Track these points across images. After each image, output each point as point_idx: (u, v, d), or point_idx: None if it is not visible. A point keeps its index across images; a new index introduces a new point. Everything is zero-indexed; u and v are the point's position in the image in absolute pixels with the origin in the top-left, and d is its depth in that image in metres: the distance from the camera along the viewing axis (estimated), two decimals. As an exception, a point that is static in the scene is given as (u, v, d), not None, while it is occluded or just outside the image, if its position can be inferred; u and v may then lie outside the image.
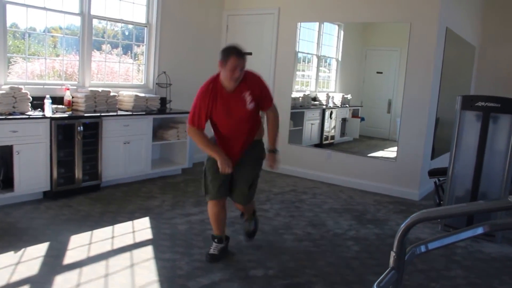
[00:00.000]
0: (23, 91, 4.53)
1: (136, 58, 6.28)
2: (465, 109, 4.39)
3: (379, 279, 1.45)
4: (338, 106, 7.19)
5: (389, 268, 1.54)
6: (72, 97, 5.10)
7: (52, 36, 5.32)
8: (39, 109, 4.69)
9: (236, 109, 3.24)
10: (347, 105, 7.22)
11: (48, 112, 4.63)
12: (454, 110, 4.48)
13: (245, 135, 3.35)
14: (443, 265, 3.66)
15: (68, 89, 5.05)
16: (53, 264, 3.21)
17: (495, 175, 4.28)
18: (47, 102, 4.65)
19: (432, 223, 4.64)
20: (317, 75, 7.19)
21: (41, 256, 3.31)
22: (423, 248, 1.64)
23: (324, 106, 7.10)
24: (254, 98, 3.24)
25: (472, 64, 7.96)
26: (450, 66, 6.19)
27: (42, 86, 5.05)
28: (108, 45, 5.91)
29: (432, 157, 6.01)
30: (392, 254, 1.54)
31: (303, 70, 7.18)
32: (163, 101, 6.17)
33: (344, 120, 7.30)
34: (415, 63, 5.60)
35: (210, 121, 3.32)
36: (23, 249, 3.40)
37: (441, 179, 5.02)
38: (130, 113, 5.39)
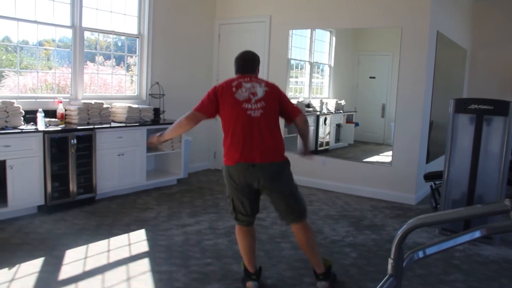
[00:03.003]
0: (15, 105, 4.50)
1: (129, 69, 6.27)
2: (459, 112, 4.40)
3: (378, 287, 1.44)
4: (332, 112, 7.19)
5: (387, 276, 1.52)
6: (65, 110, 5.07)
7: (45, 49, 5.31)
8: (32, 123, 4.66)
9: None
10: (341, 111, 7.23)
11: (41, 126, 4.60)
12: (447, 113, 4.49)
13: None
14: (442, 269, 3.65)
15: (60, 102, 5.03)
16: (48, 280, 3.17)
17: (491, 178, 4.28)
18: (40, 116, 4.62)
19: (430, 227, 4.63)
20: (310, 82, 7.20)
21: (36, 272, 3.27)
22: (421, 254, 1.63)
23: (318, 113, 7.10)
24: None
25: (464, 67, 8.01)
26: (442, 70, 6.21)
27: (34, 100, 5.02)
28: (101, 56, 5.90)
29: (427, 161, 6.01)
30: (390, 261, 1.52)
31: (296, 77, 7.19)
32: (157, 111, 6.15)
33: (338, 126, 7.29)
34: (407, 67, 5.62)
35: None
36: (17, 266, 3.36)
37: (437, 182, 5.01)
38: (124, 124, 5.37)
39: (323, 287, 3.18)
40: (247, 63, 3.24)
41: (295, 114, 3.17)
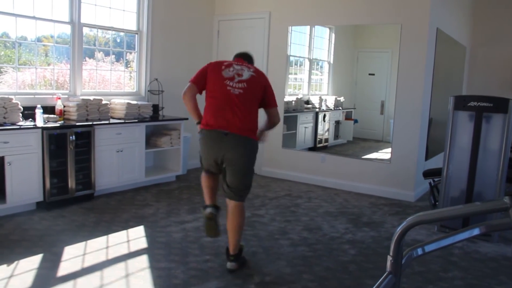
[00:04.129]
0: (14, 101, 4.48)
1: (128, 65, 6.25)
2: (458, 109, 4.40)
3: (376, 284, 1.43)
4: (331, 109, 7.19)
5: (386, 273, 1.52)
6: (64, 106, 5.06)
7: (43, 45, 5.29)
8: (30, 119, 4.65)
9: None
10: (340, 108, 7.22)
11: (39, 122, 4.59)
12: (447, 110, 4.48)
13: None
14: (440, 266, 3.65)
15: (59, 98, 5.02)
16: (47, 276, 3.17)
17: (490, 175, 4.28)
18: (38, 112, 4.61)
19: (428, 224, 4.63)
20: (310, 78, 7.19)
21: (35, 269, 3.27)
22: (419, 251, 1.63)
23: (317, 109, 7.09)
24: None
25: (463, 64, 8.00)
26: (442, 67, 6.21)
27: (33, 96, 5.01)
28: (101, 53, 5.89)
29: (426, 158, 6.01)
30: (389, 258, 1.52)
31: (296, 74, 7.18)
32: (156, 108, 6.15)
33: (337, 123, 7.29)
34: (406, 64, 5.61)
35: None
36: (16, 262, 3.36)
37: (435, 179, 5.02)
38: (123, 121, 5.36)
39: (233, 267, 3.38)
40: (245, 54, 3.64)
41: (271, 106, 3.44)
